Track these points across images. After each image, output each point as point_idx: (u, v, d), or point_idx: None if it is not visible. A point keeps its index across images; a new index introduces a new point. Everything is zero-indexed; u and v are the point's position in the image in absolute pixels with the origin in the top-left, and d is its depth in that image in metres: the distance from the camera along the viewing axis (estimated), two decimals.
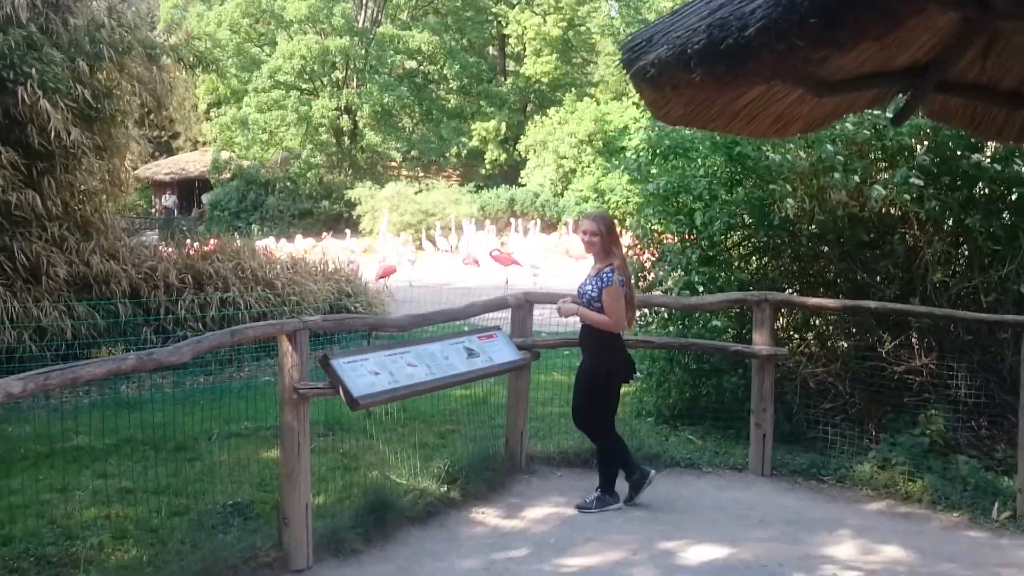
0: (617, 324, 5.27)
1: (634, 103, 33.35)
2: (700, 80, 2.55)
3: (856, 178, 6.05)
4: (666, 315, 7.43)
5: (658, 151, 7.03)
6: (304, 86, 39.47)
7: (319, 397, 4.74)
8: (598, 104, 36.80)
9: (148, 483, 5.40)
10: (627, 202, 31.34)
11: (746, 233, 7.17)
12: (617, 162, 7.74)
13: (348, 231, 29.25)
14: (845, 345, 6.66)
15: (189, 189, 41.63)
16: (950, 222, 6.29)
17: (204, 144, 42.78)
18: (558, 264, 21.21)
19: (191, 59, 10.91)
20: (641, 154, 7.38)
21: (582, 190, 34.61)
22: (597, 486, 5.56)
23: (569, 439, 6.60)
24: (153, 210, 42.48)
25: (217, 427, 6.70)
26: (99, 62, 9.44)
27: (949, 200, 6.15)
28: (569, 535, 5.08)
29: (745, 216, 6.95)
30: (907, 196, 6.02)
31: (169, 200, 40.33)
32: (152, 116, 14.62)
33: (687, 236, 7.09)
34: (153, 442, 6.29)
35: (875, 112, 5.72)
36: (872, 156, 6.38)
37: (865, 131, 6.07)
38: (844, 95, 3.06)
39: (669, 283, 7.20)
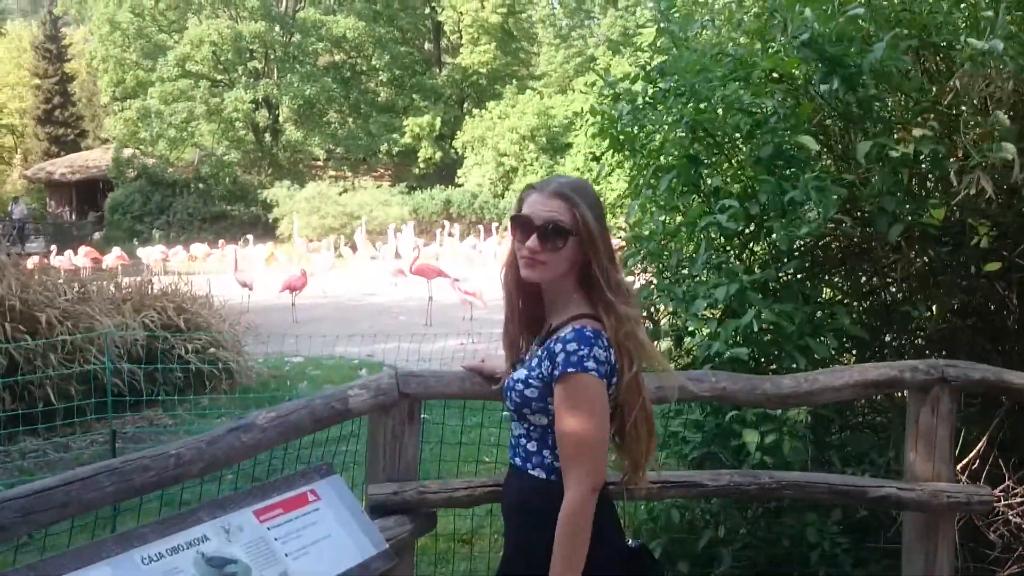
0: (593, 479, 1.90)
1: (582, 91, 30.20)
2: None
3: None
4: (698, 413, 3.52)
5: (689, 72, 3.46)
6: (219, 76, 35.63)
7: None
8: (541, 97, 33.62)
9: None
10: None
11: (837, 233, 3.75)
12: (604, 109, 3.96)
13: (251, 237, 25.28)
14: None
15: (92, 190, 37.41)
16: None
17: (109, 141, 38.51)
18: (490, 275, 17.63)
19: None
20: (651, 87, 3.77)
21: None
22: None
23: None
24: (48, 212, 37.95)
25: None
26: None
27: None
28: None
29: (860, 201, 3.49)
30: None
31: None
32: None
33: (736, 240, 3.58)
34: None
35: None
36: None
37: None
38: None
39: (691, 342, 3.67)
